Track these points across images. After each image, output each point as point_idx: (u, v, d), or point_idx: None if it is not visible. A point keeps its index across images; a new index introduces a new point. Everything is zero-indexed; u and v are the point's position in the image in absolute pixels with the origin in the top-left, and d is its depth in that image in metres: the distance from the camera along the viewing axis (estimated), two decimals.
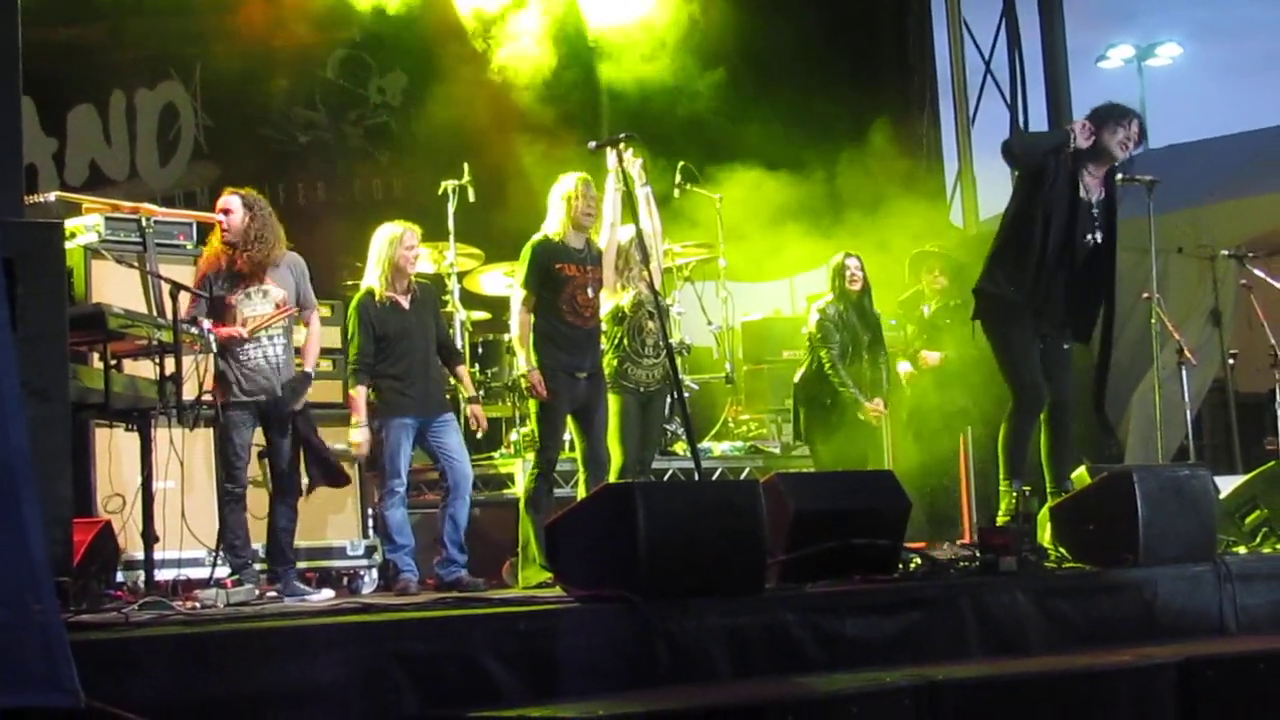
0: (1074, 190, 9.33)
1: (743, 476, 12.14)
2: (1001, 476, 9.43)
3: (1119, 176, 9.91)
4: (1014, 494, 9.26)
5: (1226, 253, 13.04)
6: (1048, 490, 9.39)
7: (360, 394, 9.80)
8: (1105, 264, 9.52)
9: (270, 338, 9.35)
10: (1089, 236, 9.41)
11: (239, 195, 9.45)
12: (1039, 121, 16.00)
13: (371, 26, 14.22)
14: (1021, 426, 9.40)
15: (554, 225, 10.05)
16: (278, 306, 9.37)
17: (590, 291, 10.05)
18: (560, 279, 9.96)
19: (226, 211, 9.38)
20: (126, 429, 8.83)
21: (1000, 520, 9.17)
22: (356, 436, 9.79)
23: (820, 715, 5.66)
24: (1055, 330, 9.54)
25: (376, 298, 9.88)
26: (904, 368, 12.47)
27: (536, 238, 10.06)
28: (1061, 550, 8.75)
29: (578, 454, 10.13)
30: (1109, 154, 9.36)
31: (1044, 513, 9.09)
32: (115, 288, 9.50)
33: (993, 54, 16.41)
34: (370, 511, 10.73)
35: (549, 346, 9.94)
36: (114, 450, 9.38)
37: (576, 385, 9.97)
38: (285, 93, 15.57)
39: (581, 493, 9.91)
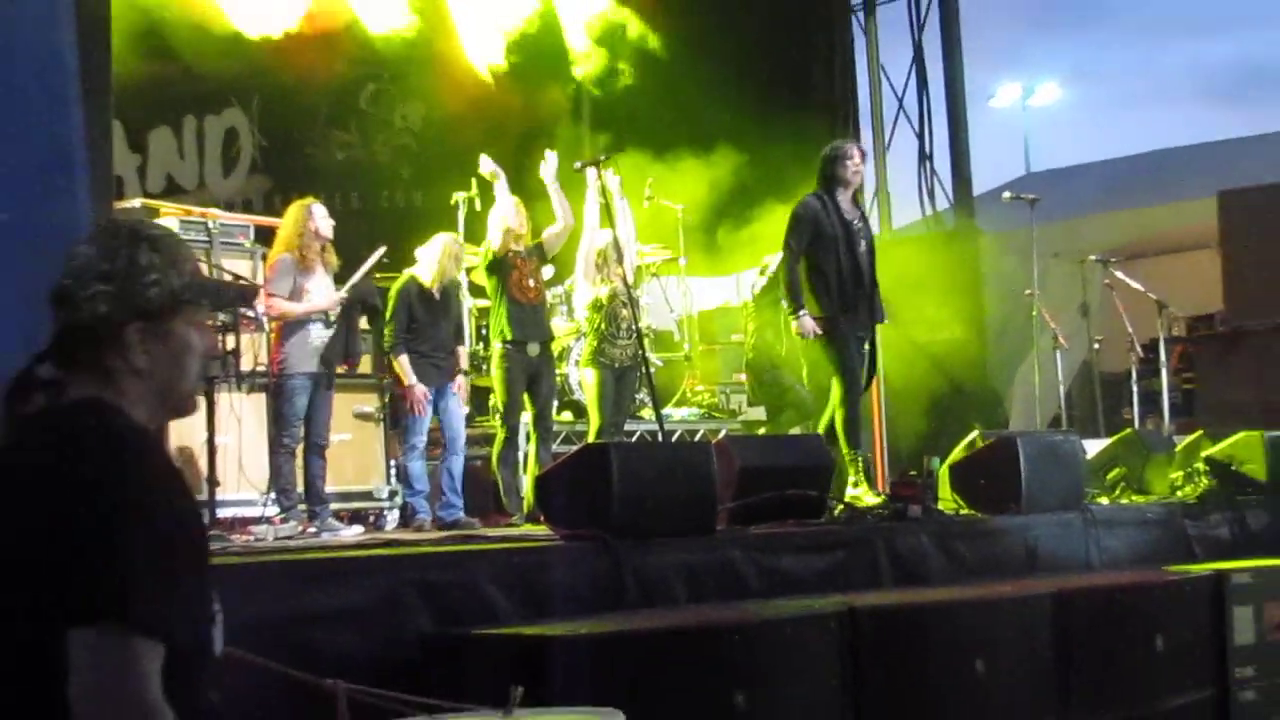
0: (841, 217, 9.53)
1: (698, 438, 12.14)
2: (846, 449, 9.36)
3: (1006, 195, 9.88)
4: (859, 460, 9.32)
5: (1094, 258, 13.11)
6: (844, 455, 9.34)
7: (405, 360, 9.79)
8: (874, 267, 9.67)
9: (328, 322, 9.38)
10: (860, 247, 9.55)
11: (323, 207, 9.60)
12: (942, 145, 16.13)
13: (396, 65, 14.21)
14: (851, 407, 9.38)
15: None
16: None
17: (531, 281, 10.12)
18: (509, 265, 10.05)
19: (328, 219, 9.50)
20: None
21: (851, 483, 9.17)
22: (416, 392, 9.77)
23: (760, 635, 5.63)
24: (860, 332, 9.58)
25: (421, 286, 9.92)
26: None
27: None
28: (958, 500, 8.74)
29: (529, 420, 10.13)
30: (847, 181, 9.63)
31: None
32: None
33: (905, 92, 16.53)
34: (393, 462, 10.70)
35: (510, 325, 10.00)
36: None
37: (529, 363, 9.98)
38: (326, 119, 15.57)
39: (534, 451, 10.02)
